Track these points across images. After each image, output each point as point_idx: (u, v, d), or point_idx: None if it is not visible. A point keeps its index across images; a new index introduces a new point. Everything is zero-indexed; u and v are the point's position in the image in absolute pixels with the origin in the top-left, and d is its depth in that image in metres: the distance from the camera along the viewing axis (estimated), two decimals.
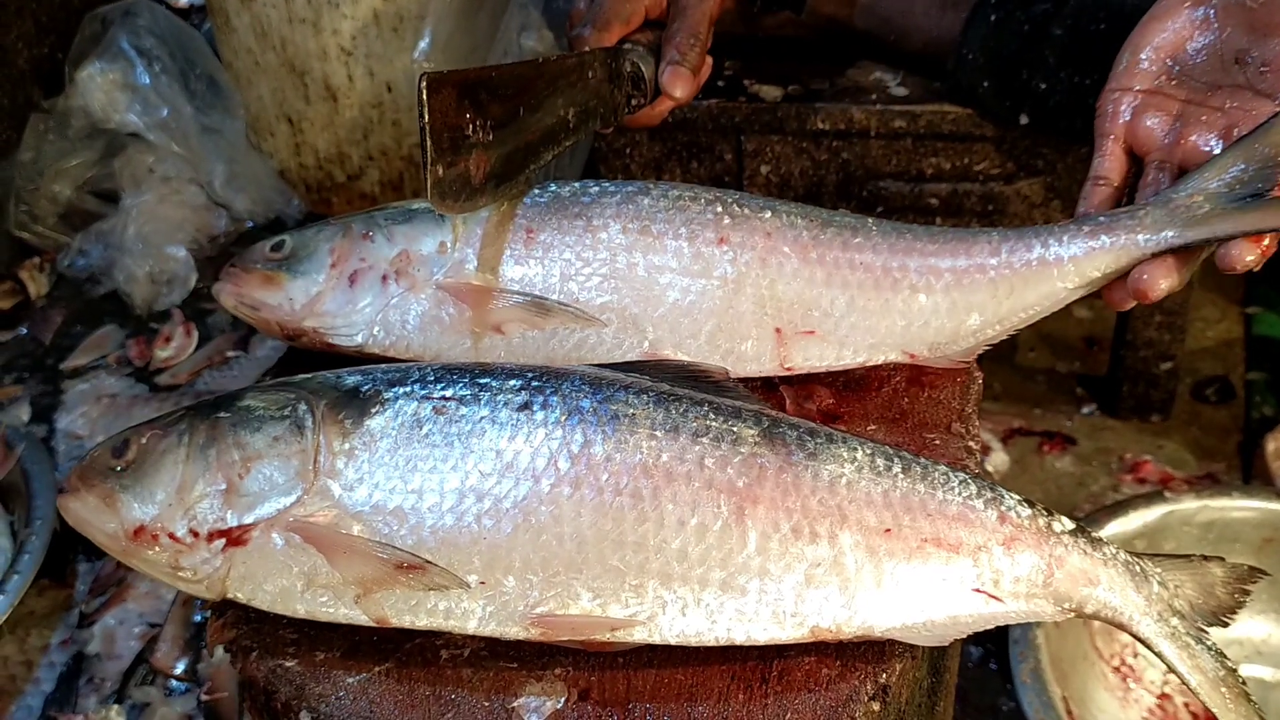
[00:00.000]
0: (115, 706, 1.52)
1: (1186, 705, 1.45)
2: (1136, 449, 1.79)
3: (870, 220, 1.05)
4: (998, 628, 0.90)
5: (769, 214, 1.04)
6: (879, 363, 1.02)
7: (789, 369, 1.01)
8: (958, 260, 1.01)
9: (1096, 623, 1.46)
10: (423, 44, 2.14)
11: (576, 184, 1.08)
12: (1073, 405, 1.87)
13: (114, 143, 2.30)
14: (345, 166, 2.36)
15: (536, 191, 1.06)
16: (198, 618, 1.63)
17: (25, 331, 2.18)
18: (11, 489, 1.68)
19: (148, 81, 2.25)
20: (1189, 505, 1.49)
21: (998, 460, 1.78)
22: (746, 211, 1.04)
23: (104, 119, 2.24)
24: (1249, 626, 1.47)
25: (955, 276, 1.01)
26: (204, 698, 1.53)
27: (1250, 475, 1.72)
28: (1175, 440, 1.80)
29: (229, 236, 2.34)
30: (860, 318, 1.01)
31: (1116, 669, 1.48)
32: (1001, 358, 1.95)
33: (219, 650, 0.89)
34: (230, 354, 2.10)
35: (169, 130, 2.27)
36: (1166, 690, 1.47)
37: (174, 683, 1.56)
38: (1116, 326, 1.79)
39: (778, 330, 1.01)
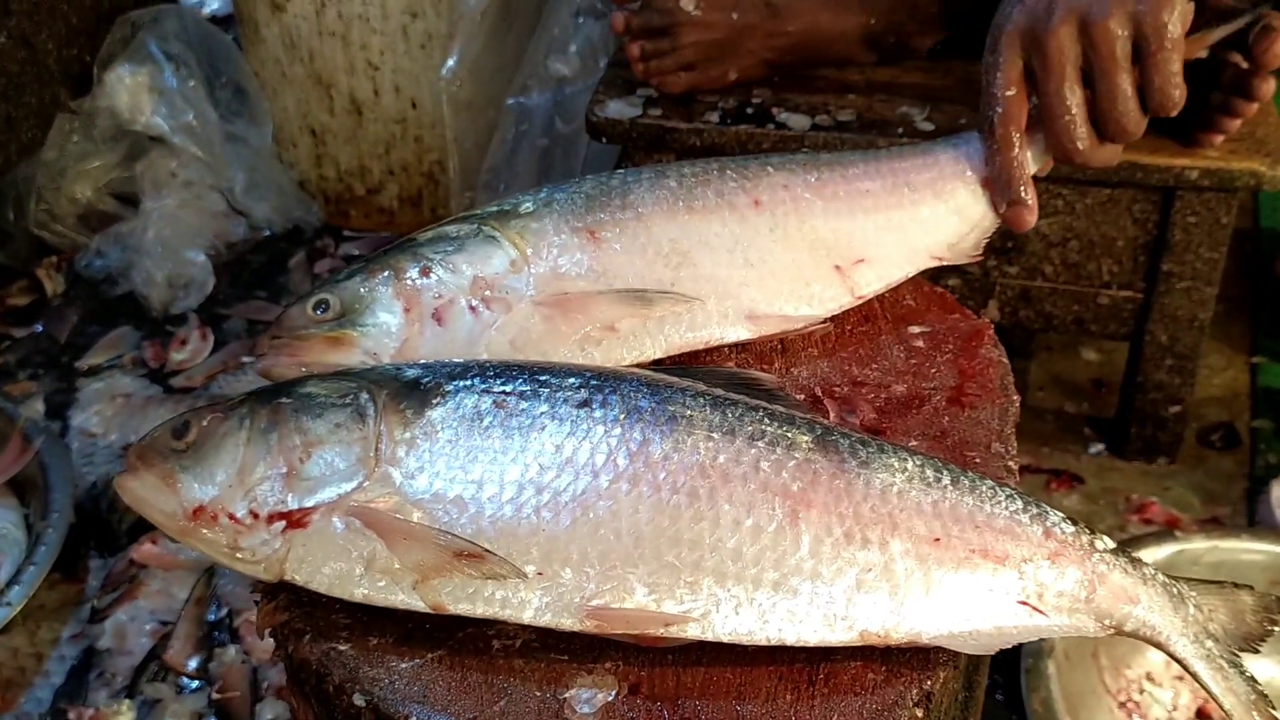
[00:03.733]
0: (126, 701, 1.52)
1: None
2: (1143, 490, 1.81)
3: (838, 154, 1.13)
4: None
5: (771, 169, 1.09)
6: (920, 270, 1.12)
7: (860, 296, 1.08)
8: (929, 172, 1.12)
9: (1105, 658, 1.49)
10: (450, 62, 2.16)
11: (593, 178, 1.09)
12: (1080, 445, 1.90)
13: (137, 146, 2.32)
14: (365, 180, 2.38)
15: (562, 195, 1.07)
16: (210, 617, 1.63)
17: (41, 329, 2.19)
18: (29, 482, 1.69)
19: (174, 85, 2.28)
20: (1199, 545, 1.51)
21: None
22: (754, 171, 1.09)
23: (129, 120, 2.26)
24: (1252, 668, 1.49)
25: (933, 187, 1.12)
26: (215, 696, 1.53)
27: (1254, 520, 1.75)
28: (1181, 483, 1.83)
29: (247, 244, 2.36)
30: (891, 234, 1.10)
31: (1123, 704, 1.49)
32: None
33: (266, 635, 0.89)
34: (245, 359, 2.11)
35: (193, 135, 2.29)
36: None
37: (185, 680, 1.57)
38: (1126, 369, 1.81)
39: (836, 267, 1.08)
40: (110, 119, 2.30)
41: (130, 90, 2.29)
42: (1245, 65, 1.45)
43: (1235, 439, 1.90)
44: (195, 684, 1.56)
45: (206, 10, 2.99)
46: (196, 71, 2.33)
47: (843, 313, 1.11)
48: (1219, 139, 1.57)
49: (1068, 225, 1.68)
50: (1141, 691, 1.50)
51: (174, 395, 2.03)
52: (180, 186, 2.29)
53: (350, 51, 2.23)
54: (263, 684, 1.55)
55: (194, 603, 1.64)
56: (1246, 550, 1.51)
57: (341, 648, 0.84)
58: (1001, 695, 1.53)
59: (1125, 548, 0.87)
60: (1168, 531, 1.57)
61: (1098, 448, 1.89)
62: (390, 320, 0.99)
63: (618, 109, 1.70)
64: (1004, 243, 1.69)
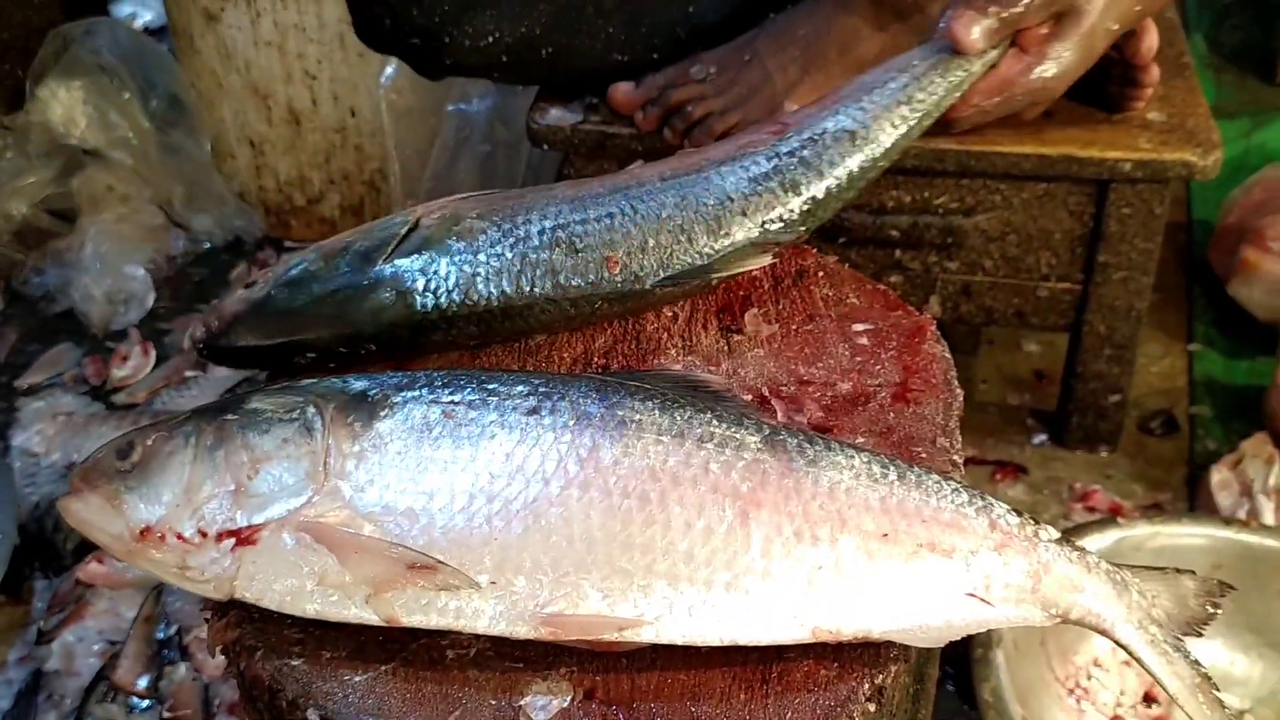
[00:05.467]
0: None
1: None
2: (1086, 478, 1.84)
3: None
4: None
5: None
6: None
7: None
8: None
9: (1053, 646, 1.51)
10: (389, 70, 2.15)
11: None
12: (1024, 436, 1.92)
13: (72, 161, 2.29)
14: (306, 190, 2.36)
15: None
16: (160, 635, 1.62)
17: None
18: None
19: (109, 97, 2.25)
20: (1141, 531, 1.54)
21: None
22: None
23: (64, 135, 2.23)
24: (1197, 649, 1.52)
25: None
26: (166, 715, 1.52)
27: (1195, 505, 1.78)
28: (1123, 471, 1.86)
29: (187, 257, 2.34)
30: None
31: (1071, 691, 1.51)
32: None
33: (218, 652, 0.88)
34: (189, 374, 2.09)
35: (128, 148, 2.27)
36: (1119, 711, 1.51)
37: (136, 700, 1.55)
38: (1067, 359, 1.84)
39: None
40: (44, 134, 2.27)
41: (64, 104, 2.26)
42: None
43: (1174, 426, 1.93)
44: (146, 703, 1.54)
45: (139, 22, 2.97)
46: (130, 84, 2.30)
47: (789, 312, 1.13)
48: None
49: (1005, 220, 1.70)
50: (1089, 678, 1.53)
51: (116, 412, 2.00)
52: (117, 201, 2.26)
53: (287, 61, 2.21)
54: (214, 701, 1.53)
55: (142, 621, 1.62)
56: (1188, 535, 1.54)
57: (294, 663, 0.83)
58: (953, 686, 1.55)
59: (1069, 537, 0.89)
60: (1110, 519, 1.59)
61: (1041, 438, 1.92)
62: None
63: (558, 115, 1.69)
64: (944, 239, 1.71)
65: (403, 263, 1.05)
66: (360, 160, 2.31)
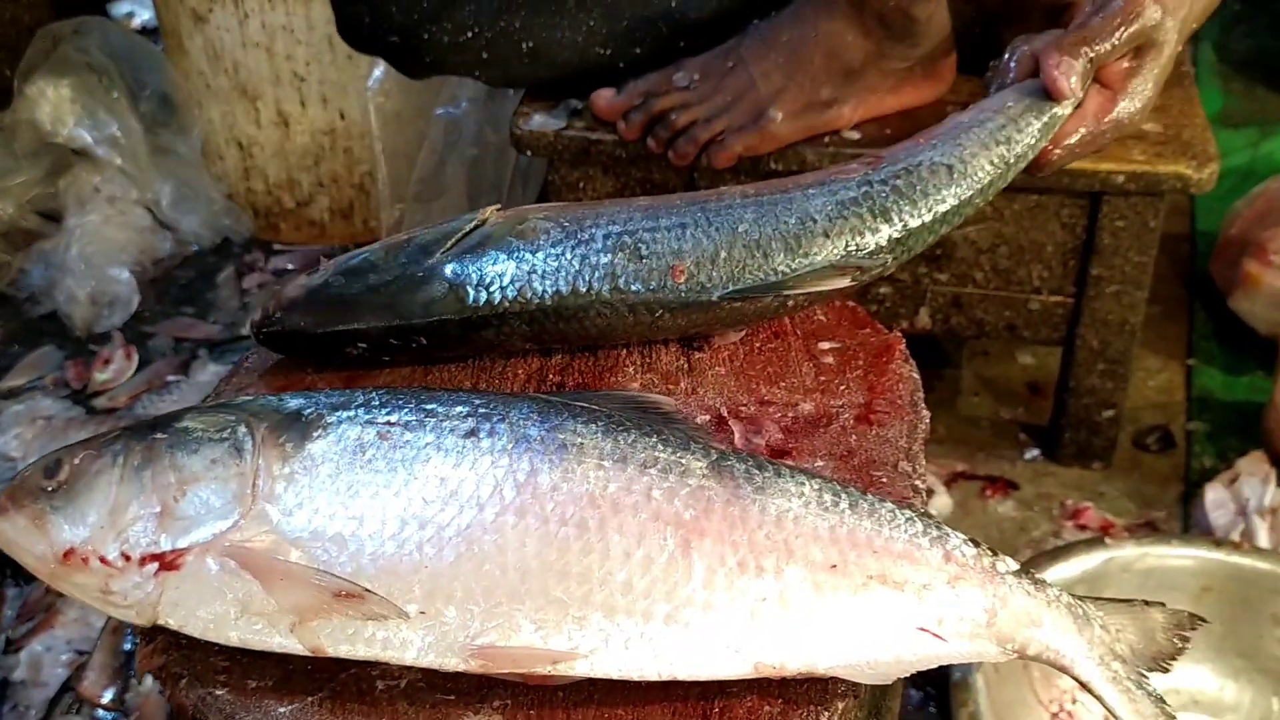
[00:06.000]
0: None
1: None
2: (1078, 495, 1.80)
3: None
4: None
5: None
6: None
7: None
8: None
9: (1036, 669, 1.47)
10: (377, 73, 2.13)
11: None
12: (1015, 450, 1.89)
13: (60, 161, 2.27)
14: (295, 193, 2.34)
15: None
16: (127, 645, 1.59)
17: None
18: None
19: (97, 96, 2.23)
20: (1129, 552, 1.50)
21: (941, 503, 1.78)
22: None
23: (51, 133, 2.21)
24: (1186, 675, 1.48)
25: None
26: None
27: (1189, 524, 1.74)
28: (1116, 488, 1.82)
29: (174, 259, 2.32)
30: None
31: (1054, 715, 1.47)
32: (945, 402, 1.97)
33: (148, 678, 0.86)
34: (170, 378, 2.07)
35: (117, 146, 2.25)
36: None
37: (101, 712, 1.52)
38: (1060, 373, 1.80)
39: None
40: (32, 132, 2.25)
41: (52, 102, 2.25)
42: None
43: (1171, 442, 1.89)
44: (111, 716, 1.52)
45: (137, 21, 2.96)
46: (120, 83, 2.28)
47: (752, 329, 1.09)
48: None
49: (997, 231, 1.67)
50: (1075, 701, 1.49)
51: (96, 416, 1.98)
52: (104, 202, 2.25)
53: (275, 62, 2.19)
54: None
55: (110, 632, 1.60)
56: (1177, 556, 1.50)
57: (219, 692, 0.81)
58: (935, 708, 1.52)
59: (1029, 569, 0.85)
60: (1098, 539, 1.55)
61: (1033, 453, 1.88)
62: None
63: (542, 121, 1.66)
64: (933, 250, 1.67)
65: (460, 257, 1.03)
66: (349, 163, 2.29)
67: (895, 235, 1.07)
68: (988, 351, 2.07)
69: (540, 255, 1.03)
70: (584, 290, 1.03)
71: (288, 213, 2.36)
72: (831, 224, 1.06)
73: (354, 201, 2.34)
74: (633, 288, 1.03)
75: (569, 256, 1.03)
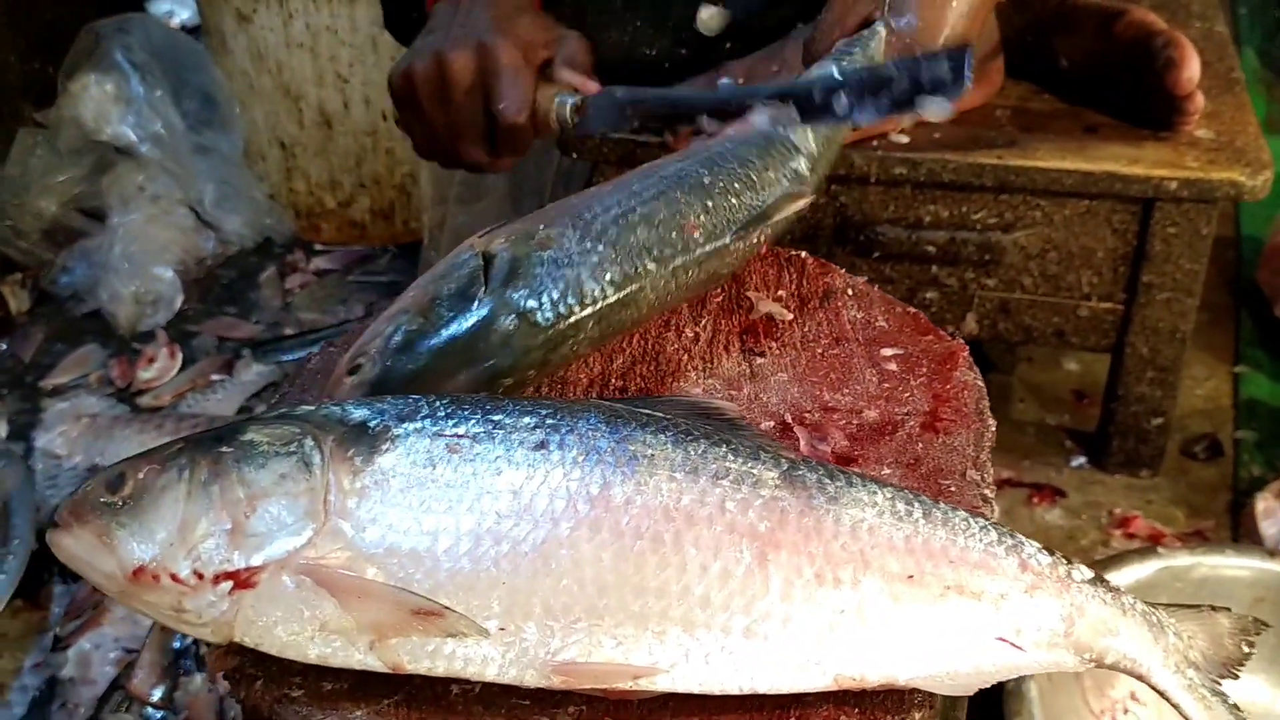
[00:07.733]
0: None
1: None
2: (1126, 503, 1.79)
3: None
4: None
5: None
6: None
7: None
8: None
9: (1088, 677, 1.46)
10: None
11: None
12: (1062, 458, 1.87)
13: (103, 160, 2.28)
14: (336, 193, 2.35)
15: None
16: (176, 644, 1.60)
17: (4, 348, 2.15)
18: None
19: (141, 94, 2.24)
20: (1183, 561, 1.48)
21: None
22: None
23: (95, 131, 2.22)
24: (1239, 685, 1.47)
25: None
26: None
27: (1238, 534, 1.72)
28: (1164, 496, 1.80)
29: (216, 259, 2.33)
30: None
31: None
32: (991, 409, 1.95)
33: (197, 677, 0.85)
34: (215, 377, 2.07)
35: (160, 144, 2.25)
36: None
37: (150, 710, 1.53)
38: (1108, 381, 1.79)
39: None
40: (75, 130, 2.26)
41: (95, 100, 2.25)
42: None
43: (1219, 450, 1.88)
44: (160, 714, 1.52)
45: (175, 20, 2.96)
46: (163, 81, 2.29)
47: (814, 335, 1.09)
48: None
49: (1046, 237, 1.66)
50: (1126, 711, 1.48)
51: (141, 415, 1.99)
52: (148, 201, 2.25)
53: (319, 63, 2.19)
54: (229, 713, 1.51)
55: (159, 630, 1.61)
56: (1231, 566, 1.49)
57: (294, 694, 0.81)
58: (982, 716, 1.50)
59: (1103, 576, 0.85)
60: (1151, 548, 1.54)
61: (1079, 460, 1.86)
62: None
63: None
64: (982, 255, 1.66)
65: (505, 289, 1.01)
66: (391, 164, 2.29)
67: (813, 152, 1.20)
68: (1032, 358, 2.06)
69: (577, 257, 1.03)
70: (632, 271, 1.04)
71: (329, 213, 2.37)
72: (770, 159, 1.17)
73: (395, 202, 2.34)
74: (667, 253, 1.06)
75: (602, 248, 1.04)
